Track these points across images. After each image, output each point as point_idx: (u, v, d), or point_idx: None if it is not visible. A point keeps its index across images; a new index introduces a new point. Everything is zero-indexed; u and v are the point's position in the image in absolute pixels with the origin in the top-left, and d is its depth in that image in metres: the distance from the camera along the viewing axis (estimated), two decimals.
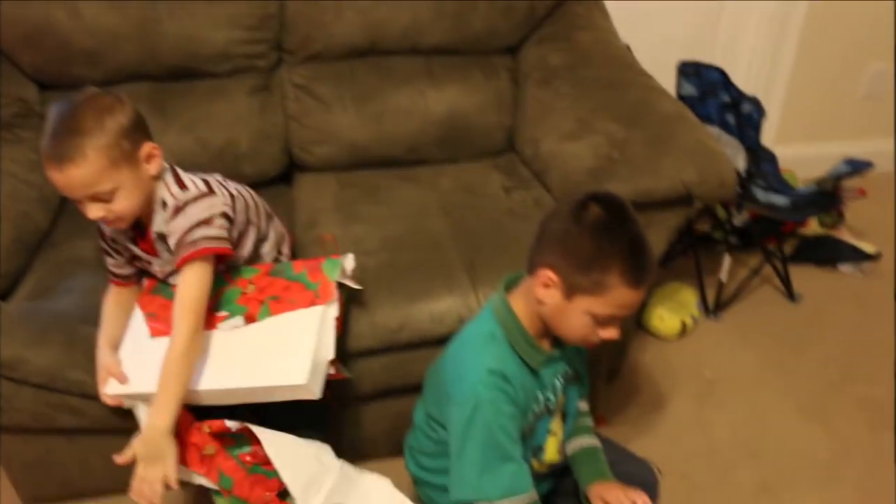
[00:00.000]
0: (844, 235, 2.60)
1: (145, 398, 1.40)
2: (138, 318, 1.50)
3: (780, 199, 2.17)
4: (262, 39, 1.93)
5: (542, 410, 1.35)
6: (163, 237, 1.40)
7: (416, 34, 1.99)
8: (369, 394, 1.66)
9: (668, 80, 2.20)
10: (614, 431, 1.84)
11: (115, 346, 1.47)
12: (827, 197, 2.18)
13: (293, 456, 1.39)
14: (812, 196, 2.17)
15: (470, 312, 1.55)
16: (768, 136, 2.85)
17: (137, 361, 1.45)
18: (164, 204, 1.38)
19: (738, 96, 2.08)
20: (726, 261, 2.27)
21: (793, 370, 2.11)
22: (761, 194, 2.17)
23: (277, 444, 1.37)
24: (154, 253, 1.46)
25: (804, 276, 2.46)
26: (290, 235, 1.67)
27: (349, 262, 1.49)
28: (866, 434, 1.90)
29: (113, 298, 1.54)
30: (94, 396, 1.47)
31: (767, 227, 2.36)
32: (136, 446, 1.29)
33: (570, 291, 1.20)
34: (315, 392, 1.36)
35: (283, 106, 1.98)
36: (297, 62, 1.99)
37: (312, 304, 1.41)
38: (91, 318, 1.51)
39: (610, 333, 1.25)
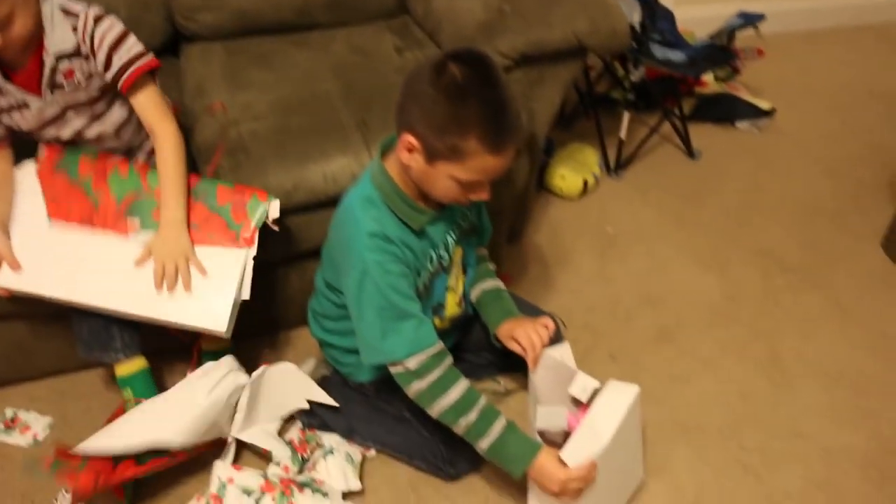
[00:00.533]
0: (742, 93, 2.66)
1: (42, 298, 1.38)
2: (33, 198, 1.42)
3: (676, 55, 2.20)
4: None
5: (436, 268, 1.36)
6: (65, 57, 1.34)
7: None
8: (271, 260, 1.65)
9: None
10: (519, 289, 1.89)
11: (4, 224, 1.41)
12: (721, 51, 2.21)
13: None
14: (707, 50, 2.20)
15: (363, 169, 1.54)
16: None
17: (35, 254, 1.40)
18: (68, 13, 1.34)
19: None
20: (626, 119, 2.31)
21: (691, 223, 2.19)
22: (658, 49, 2.19)
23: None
24: (34, 89, 1.36)
25: (703, 134, 2.52)
26: (175, 106, 1.61)
27: (274, 209, 1.46)
28: (759, 280, 2.00)
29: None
30: None
31: (666, 86, 2.40)
32: (153, 244, 1.39)
33: (431, 156, 1.18)
34: (228, 333, 1.41)
35: None
36: None
37: (234, 245, 1.42)
38: None
39: (479, 196, 1.25)
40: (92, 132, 1.45)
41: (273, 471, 1.45)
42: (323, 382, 1.56)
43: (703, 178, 2.37)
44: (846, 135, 2.57)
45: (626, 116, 2.30)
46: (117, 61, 1.35)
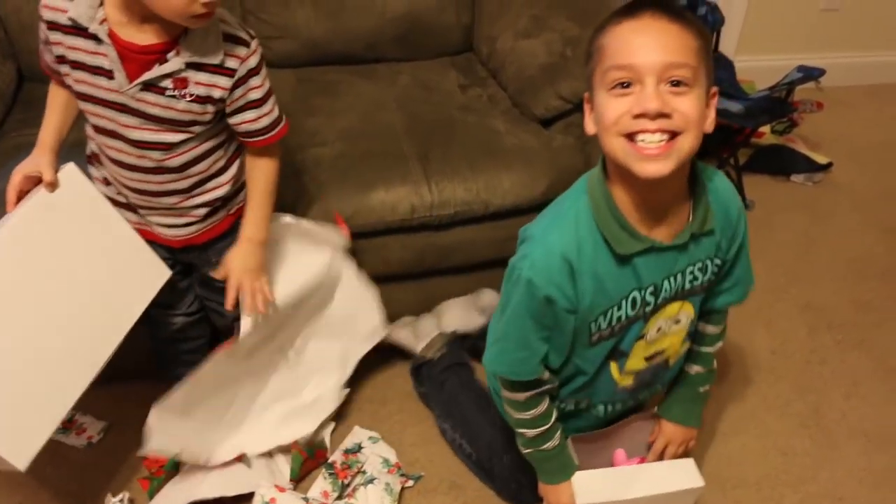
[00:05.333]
0: (799, 146, 2.65)
1: None
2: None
3: (733, 106, 2.22)
4: None
5: (636, 314, 1.13)
6: (195, 68, 1.16)
7: None
8: None
9: None
10: None
11: (52, 147, 1.27)
12: (779, 103, 2.22)
13: None
14: (765, 102, 2.21)
15: (422, 201, 1.59)
16: (729, 47, 2.88)
17: None
18: (232, 36, 1.18)
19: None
20: None
21: None
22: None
23: None
24: (135, 71, 1.15)
25: (757, 185, 2.52)
26: None
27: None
28: (805, 336, 1.98)
29: (55, 92, 1.29)
30: None
31: (722, 136, 2.41)
32: (232, 262, 1.33)
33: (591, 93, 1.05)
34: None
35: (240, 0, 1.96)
36: None
37: None
38: None
39: (644, 104, 0.96)
40: (154, 155, 1.25)
41: (314, 494, 1.49)
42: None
43: (754, 229, 2.30)
44: None
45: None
46: (262, 119, 1.26)
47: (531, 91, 1.78)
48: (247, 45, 1.19)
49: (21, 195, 1.20)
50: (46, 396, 1.20)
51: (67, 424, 1.69)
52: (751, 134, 2.41)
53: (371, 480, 1.51)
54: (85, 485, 1.57)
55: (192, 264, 1.48)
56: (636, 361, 1.20)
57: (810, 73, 2.15)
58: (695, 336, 1.28)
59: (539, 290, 1.06)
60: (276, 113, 1.28)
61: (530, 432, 1.24)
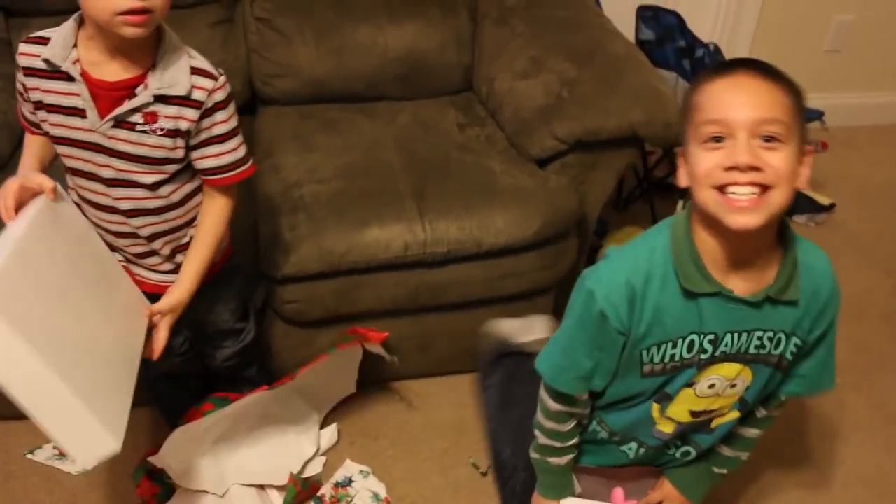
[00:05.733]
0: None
1: None
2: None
3: None
4: None
5: (691, 359, 1.12)
6: (164, 101, 1.19)
7: None
8: (319, 319, 1.72)
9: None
10: None
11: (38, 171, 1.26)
12: None
13: None
14: None
15: (415, 239, 1.61)
16: None
17: None
18: (199, 70, 1.21)
19: (692, 41, 2.12)
20: (680, 206, 2.32)
21: None
22: None
23: None
24: (106, 108, 1.18)
25: None
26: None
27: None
28: None
29: (31, 139, 1.32)
30: None
31: None
32: (170, 320, 1.31)
33: (685, 146, 1.05)
34: None
35: (245, 39, 2.01)
36: None
37: None
38: None
39: (735, 156, 0.97)
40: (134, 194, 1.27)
41: None
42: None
43: None
44: None
45: (679, 204, 2.32)
46: (225, 156, 1.26)
47: (527, 131, 1.80)
48: (214, 78, 1.22)
49: (18, 206, 1.18)
50: (113, 383, 1.19)
51: (63, 451, 1.71)
52: None
53: None
54: None
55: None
56: (680, 411, 1.19)
57: (810, 115, 2.14)
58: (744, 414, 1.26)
59: (596, 304, 1.09)
60: (241, 152, 1.29)
61: (544, 441, 1.26)
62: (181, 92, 1.19)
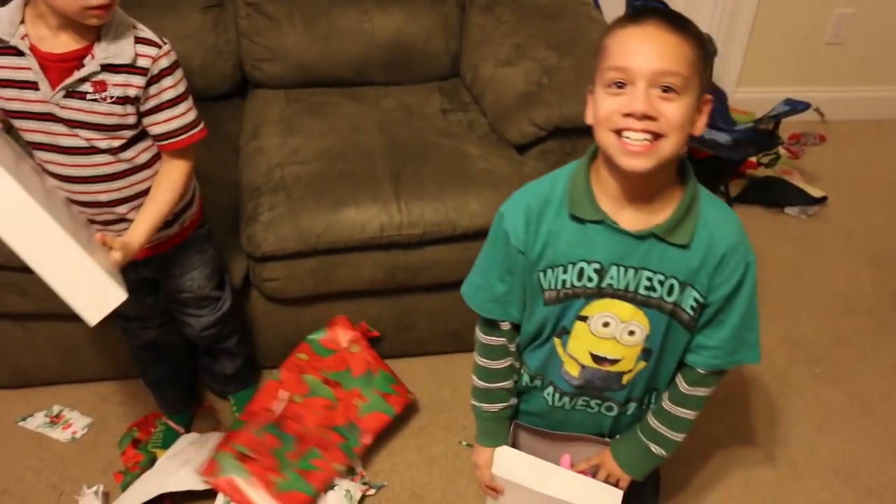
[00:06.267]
0: (795, 178, 2.65)
1: None
2: None
3: (721, 136, 2.24)
4: None
5: (581, 288, 1.17)
6: (111, 69, 1.24)
7: None
8: (299, 297, 1.76)
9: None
10: None
11: None
12: (766, 135, 2.24)
13: None
14: (751, 134, 2.23)
15: (391, 220, 1.65)
16: (730, 78, 2.90)
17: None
18: (143, 39, 1.26)
19: None
20: None
21: None
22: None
23: None
24: (57, 80, 1.23)
25: (749, 216, 2.51)
26: None
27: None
28: (781, 368, 1.99)
29: None
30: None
31: (713, 166, 2.42)
32: (119, 254, 1.27)
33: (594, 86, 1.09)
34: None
35: (235, 23, 2.04)
36: None
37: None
38: None
39: (633, 104, 1.02)
40: (99, 163, 1.31)
41: None
42: None
43: None
44: None
45: None
46: (174, 121, 1.31)
47: (507, 117, 1.82)
48: (158, 46, 1.28)
49: None
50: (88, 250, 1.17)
51: (54, 419, 1.78)
52: (739, 164, 2.43)
53: (332, 487, 1.57)
54: (65, 476, 1.67)
55: (155, 280, 1.54)
56: (580, 348, 1.24)
57: (795, 107, 2.17)
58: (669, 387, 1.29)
59: (503, 224, 1.19)
60: (191, 116, 1.33)
61: (479, 383, 1.32)
62: (126, 60, 1.24)
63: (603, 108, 1.05)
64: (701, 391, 1.25)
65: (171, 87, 1.29)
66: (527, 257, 1.19)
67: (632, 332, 1.19)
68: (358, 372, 1.74)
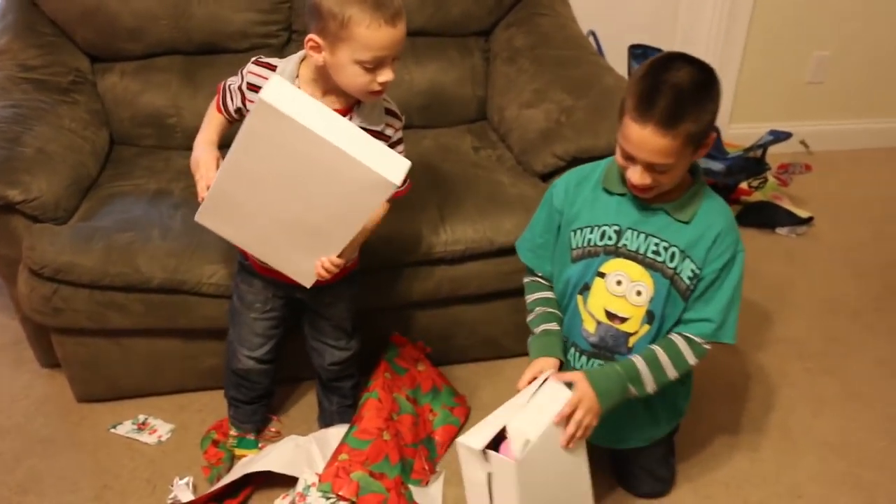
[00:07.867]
0: (784, 202, 2.94)
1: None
2: None
3: (715, 165, 2.53)
4: (274, 21, 2.30)
5: (603, 246, 1.49)
6: (365, 131, 1.34)
7: None
8: (370, 307, 1.95)
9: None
10: None
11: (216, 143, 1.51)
12: (754, 162, 2.53)
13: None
14: (741, 162, 2.52)
15: (438, 240, 1.92)
16: (723, 116, 3.20)
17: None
18: (391, 111, 1.50)
19: None
20: None
21: None
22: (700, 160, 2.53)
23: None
24: None
25: (745, 237, 2.58)
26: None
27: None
28: (777, 364, 2.24)
29: (215, 115, 1.54)
30: (135, 289, 1.80)
31: None
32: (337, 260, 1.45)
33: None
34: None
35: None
36: None
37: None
38: (125, 229, 1.83)
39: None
40: None
41: None
42: None
43: None
44: (878, 244, 2.80)
45: None
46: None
47: (531, 151, 2.11)
48: (400, 119, 1.52)
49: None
50: None
51: (141, 426, 2.01)
52: (733, 189, 2.71)
53: None
54: (156, 472, 1.88)
55: (302, 303, 1.70)
56: (597, 305, 1.51)
57: (779, 136, 2.46)
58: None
59: (552, 190, 1.61)
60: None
61: (528, 314, 1.65)
62: (377, 127, 1.47)
63: (618, 158, 1.44)
64: (689, 356, 1.50)
65: (401, 152, 1.50)
66: (563, 216, 1.55)
67: (639, 293, 1.49)
68: (426, 388, 1.94)
